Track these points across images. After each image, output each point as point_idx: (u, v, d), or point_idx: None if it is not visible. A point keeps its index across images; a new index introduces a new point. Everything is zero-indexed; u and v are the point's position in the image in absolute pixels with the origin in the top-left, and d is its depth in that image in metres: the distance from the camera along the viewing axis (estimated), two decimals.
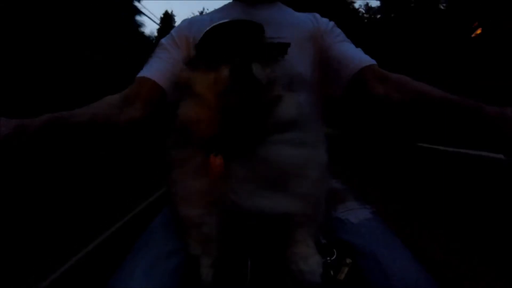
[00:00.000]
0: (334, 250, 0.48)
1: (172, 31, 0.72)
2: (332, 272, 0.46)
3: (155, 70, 0.66)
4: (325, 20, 0.74)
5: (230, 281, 0.46)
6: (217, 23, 0.48)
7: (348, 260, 0.47)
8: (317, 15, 0.75)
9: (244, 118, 0.44)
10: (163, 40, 0.71)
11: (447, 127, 0.54)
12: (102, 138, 0.59)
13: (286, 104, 0.47)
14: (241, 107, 0.43)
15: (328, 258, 0.47)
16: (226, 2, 0.80)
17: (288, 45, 0.65)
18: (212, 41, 0.48)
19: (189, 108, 0.47)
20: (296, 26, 0.71)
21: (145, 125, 0.65)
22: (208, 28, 0.48)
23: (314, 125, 0.51)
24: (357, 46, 0.70)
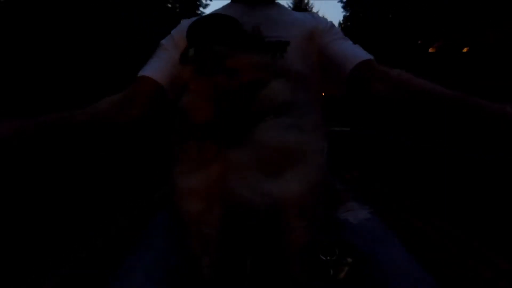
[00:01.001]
0: (336, 249, 0.48)
1: (172, 32, 0.73)
2: (331, 272, 0.46)
3: (156, 69, 0.66)
4: (323, 19, 0.75)
5: (230, 280, 0.46)
6: (195, 19, 0.52)
7: (349, 260, 0.47)
8: (316, 14, 0.76)
9: (226, 99, 0.45)
10: (163, 41, 0.72)
11: (448, 125, 0.54)
12: (102, 138, 0.59)
13: (276, 87, 0.47)
14: (213, 89, 0.44)
15: (328, 257, 0.47)
16: None
17: (287, 43, 0.66)
18: (192, 35, 0.51)
19: (185, 98, 0.49)
20: (295, 25, 0.71)
21: (146, 125, 0.66)
22: (189, 25, 0.52)
23: (312, 116, 0.52)
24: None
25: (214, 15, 0.54)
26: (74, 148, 0.54)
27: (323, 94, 0.74)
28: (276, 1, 0.78)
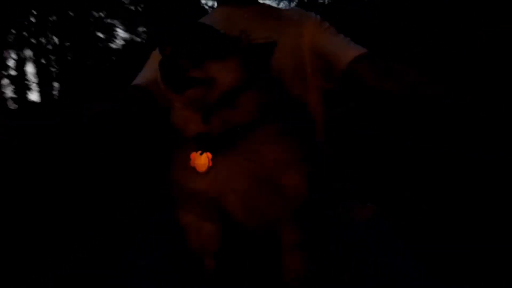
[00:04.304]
0: (337, 250, 0.48)
1: None
2: (333, 272, 0.46)
3: (146, 78, 0.69)
4: (311, 14, 0.73)
5: (230, 281, 0.46)
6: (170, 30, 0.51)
7: (350, 260, 0.47)
8: (303, 11, 0.75)
9: (208, 110, 0.44)
10: (154, 52, 0.73)
11: (441, 116, 0.53)
12: (99, 141, 0.59)
13: (262, 91, 0.46)
14: (186, 100, 0.43)
15: (329, 258, 0.47)
16: None
17: (274, 44, 0.66)
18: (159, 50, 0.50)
19: (173, 114, 0.49)
20: (283, 24, 0.70)
21: (142, 129, 0.67)
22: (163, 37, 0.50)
23: (308, 116, 0.51)
24: None
25: (186, 25, 0.52)
26: (72, 150, 0.54)
27: (320, 90, 0.73)
28: (262, 2, 0.78)
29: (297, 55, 0.69)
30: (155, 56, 0.71)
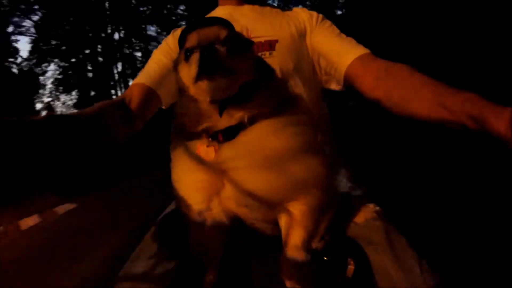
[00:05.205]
0: (339, 250, 0.48)
1: (167, 39, 0.74)
2: (335, 272, 0.46)
3: (148, 75, 0.69)
4: (313, 14, 0.73)
5: (232, 281, 0.46)
6: (192, 22, 0.50)
7: (351, 260, 0.47)
8: (305, 10, 0.75)
9: (223, 102, 0.44)
10: (156, 50, 0.74)
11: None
12: (103, 137, 0.59)
13: (268, 86, 0.47)
14: (215, 90, 0.43)
15: (331, 258, 0.47)
16: None
17: (275, 42, 0.67)
18: (184, 39, 0.49)
19: (180, 105, 0.49)
20: (284, 23, 0.70)
21: (144, 125, 0.67)
22: (182, 30, 0.51)
23: (309, 112, 0.51)
24: None
25: (208, 18, 0.53)
26: (70, 143, 0.54)
27: (321, 88, 0.73)
28: (262, 1, 0.77)
29: (298, 53, 0.69)
30: (157, 55, 0.71)
